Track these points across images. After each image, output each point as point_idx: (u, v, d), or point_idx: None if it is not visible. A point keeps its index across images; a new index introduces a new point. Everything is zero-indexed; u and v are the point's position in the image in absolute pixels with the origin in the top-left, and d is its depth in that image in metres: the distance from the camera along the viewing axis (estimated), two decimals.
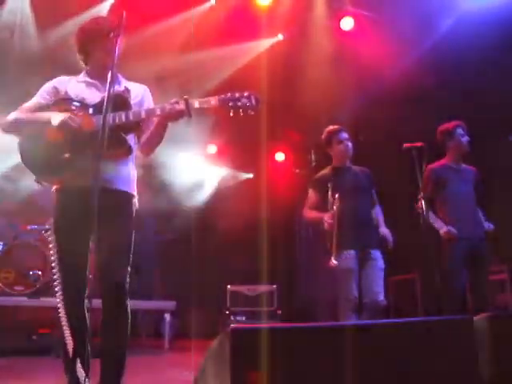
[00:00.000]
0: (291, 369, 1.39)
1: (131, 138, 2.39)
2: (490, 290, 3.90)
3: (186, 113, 2.23)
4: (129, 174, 2.40)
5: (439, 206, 3.89)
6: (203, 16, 5.73)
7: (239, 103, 2.22)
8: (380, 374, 1.49)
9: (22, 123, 2.31)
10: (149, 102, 2.50)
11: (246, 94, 2.24)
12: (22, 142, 2.30)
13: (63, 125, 2.20)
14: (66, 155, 2.23)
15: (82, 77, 2.48)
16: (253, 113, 2.25)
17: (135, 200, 2.42)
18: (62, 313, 2.16)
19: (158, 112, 2.26)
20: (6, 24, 5.41)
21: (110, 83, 2.04)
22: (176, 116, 2.25)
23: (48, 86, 2.44)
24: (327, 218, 3.28)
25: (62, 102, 2.35)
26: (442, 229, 3.68)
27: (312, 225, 3.64)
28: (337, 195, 3.34)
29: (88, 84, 2.43)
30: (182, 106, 2.22)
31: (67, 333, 2.12)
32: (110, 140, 1.97)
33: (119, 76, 2.53)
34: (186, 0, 5.69)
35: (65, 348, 2.14)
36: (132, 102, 2.39)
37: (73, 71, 2.54)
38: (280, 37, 6.25)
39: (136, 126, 2.34)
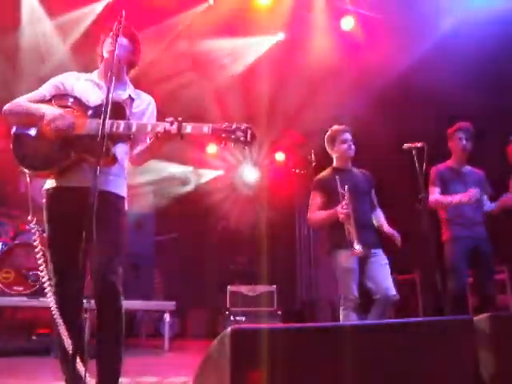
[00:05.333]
0: (291, 369, 1.38)
1: (121, 147, 2.37)
2: (494, 290, 3.91)
3: (177, 136, 2.20)
4: (119, 176, 2.40)
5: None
6: (202, 16, 5.73)
7: (233, 136, 2.16)
8: (380, 374, 1.48)
9: (20, 111, 2.30)
10: (150, 115, 2.49)
11: (242, 126, 2.18)
12: (17, 131, 2.31)
13: (53, 120, 2.20)
14: (54, 152, 2.23)
15: (92, 75, 2.49)
16: (245, 148, 2.20)
17: (125, 201, 2.42)
18: (56, 313, 2.15)
19: (149, 129, 2.25)
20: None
21: (108, 86, 2.03)
22: (166, 137, 2.23)
23: (55, 80, 2.45)
24: (340, 208, 3.26)
25: (64, 97, 2.36)
26: (455, 198, 3.68)
27: (322, 226, 3.53)
28: (346, 186, 3.34)
29: (94, 84, 2.45)
30: (173, 128, 2.19)
31: (64, 332, 2.11)
32: (97, 147, 1.95)
33: (128, 82, 2.54)
34: (184, 0, 5.69)
35: (62, 346, 2.13)
36: (133, 111, 2.40)
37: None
38: (280, 37, 6.25)
39: (125, 137, 2.33)
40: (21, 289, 4.85)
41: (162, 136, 2.23)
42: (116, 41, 2.15)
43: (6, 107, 2.32)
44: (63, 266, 2.22)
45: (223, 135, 2.17)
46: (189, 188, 8.14)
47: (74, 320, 2.14)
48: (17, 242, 5.17)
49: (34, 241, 2.33)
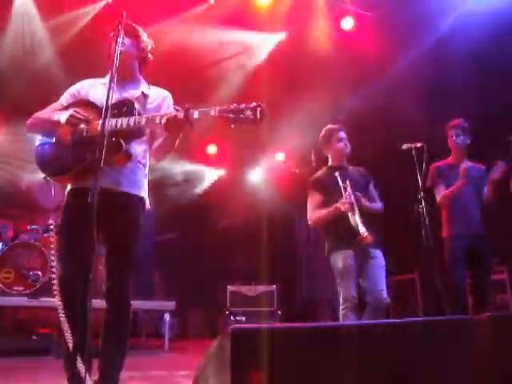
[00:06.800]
0: (291, 369, 1.39)
1: (140, 144, 2.41)
2: (491, 290, 3.90)
3: (186, 122, 2.21)
4: (136, 176, 2.41)
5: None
6: (201, 16, 5.74)
7: (242, 115, 2.13)
8: (380, 374, 1.49)
9: (39, 122, 2.39)
10: (166, 109, 2.49)
11: (252, 105, 2.13)
12: (40, 141, 2.40)
13: (70, 119, 2.26)
14: (70, 156, 2.28)
15: (104, 79, 2.53)
16: (255, 127, 2.19)
17: (145, 201, 2.44)
18: (60, 310, 2.17)
19: (158, 120, 2.25)
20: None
21: (109, 86, 2.03)
22: (175, 125, 2.23)
23: (72, 89, 2.53)
24: (343, 200, 3.26)
25: (79, 103, 2.42)
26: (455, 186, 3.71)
27: (321, 222, 3.50)
28: (347, 181, 3.35)
29: (107, 87, 2.47)
30: (180, 114, 2.20)
31: (66, 329, 2.13)
32: (107, 145, 1.96)
33: (141, 79, 2.56)
34: (184, 0, 5.70)
35: (65, 344, 2.15)
36: (148, 107, 2.41)
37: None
38: (281, 36, 6.26)
39: (137, 133, 2.34)
40: (21, 289, 4.86)
41: (171, 125, 2.22)
42: (117, 42, 2.16)
43: (27, 122, 2.42)
44: (73, 266, 2.24)
45: (231, 116, 2.14)
46: (203, 187, 8.16)
47: (78, 318, 2.16)
48: (17, 241, 5.17)
49: (51, 243, 2.37)
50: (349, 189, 3.33)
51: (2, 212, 5.65)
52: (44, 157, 2.35)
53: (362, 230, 3.19)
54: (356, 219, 3.24)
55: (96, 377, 2.21)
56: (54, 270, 2.26)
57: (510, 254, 5.00)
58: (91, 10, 5.58)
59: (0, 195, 5.62)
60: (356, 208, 3.27)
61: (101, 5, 5.58)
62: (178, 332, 7.04)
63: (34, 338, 5.10)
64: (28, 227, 5.32)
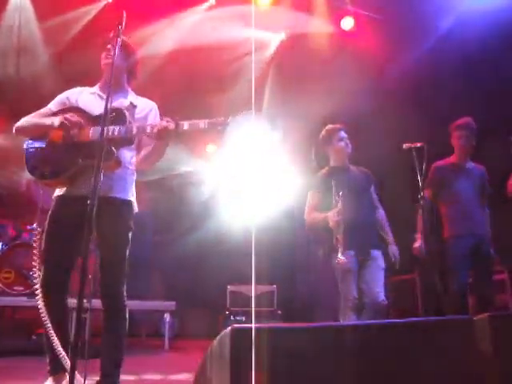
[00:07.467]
0: (291, 369, 1.39)
1: (128, 151, 2.45)
2: (493, 290, 3.91)
3: (175, 134, 2.26)
4: (125, 181, 2.45)
5: (442, 203, 3.90)
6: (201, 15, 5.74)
7: (229, 128, 2.19)
8: (380, 374, 1.49)
9: (29, 126, 2.43)
10: (153, 119, 2.54)
11: (239, 116, 2.20)
12: (28, 145, 2.43)
13: (64, 123, 2.30)
14: (62, 160, 2.32)
15: (94, 89, 2.59)
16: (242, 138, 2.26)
17: (132, 204, 2.47)
18: (43, 314, 2.19)
19: (149, 130, 2.29)
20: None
21: (107, 95, 2.03)
22: (165, 135, 2.27)
23: (61, 96, 2.57)
24: (332, 215, 3.23)
25: (69, 110, 2.46)
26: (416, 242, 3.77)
27: (315, 226, 3.50)
28: (341, 192, 3.31)
29: (97, 96, 2.54)
30: (171, 125, 2.24)
31: (50, 330, 2.17)
32: (99, 152, 1.98)
33: (129, 90, 2.62)
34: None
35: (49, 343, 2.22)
36: (136, 117, 2.46)
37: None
38: (281, 37, 6.26)
39: (128, 141, 2.38)
40: (21, 289, 4.85)
41: (162, 135, 2.27)
42: (116, 44, 2.16)
43: (17, 125, 2.45)
44: (53, 271, 2.28)
45: (219, 128, 2.20)
46: (205, 188, 8.16)
47: (63, 321, 2.20)
48: (17, 242, 5.17)
49: (35, 242, 2.38)
50: (339, 205, 3.23)
51: (2, 212, 5.64)
52: (33, 160, 2.38)
53: (340, 255, 3.12)
54: (339, 238, 3.18)
55: (98, 377, 2.25)
56: (36, 270, 2.28)
57: (510, 254, 4.99)
58: (91, 10, 5.57)
59: (0, 195, 5.61)
60: (342, 226, 3.20)
61: (101, 5, 5.58)
62: (178, 332, 7.03)
63: (34, 337, 5.10)
64: (28, 227, 5.31)
